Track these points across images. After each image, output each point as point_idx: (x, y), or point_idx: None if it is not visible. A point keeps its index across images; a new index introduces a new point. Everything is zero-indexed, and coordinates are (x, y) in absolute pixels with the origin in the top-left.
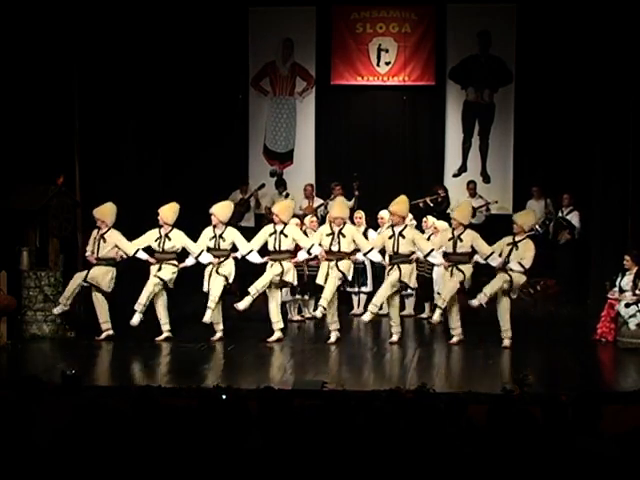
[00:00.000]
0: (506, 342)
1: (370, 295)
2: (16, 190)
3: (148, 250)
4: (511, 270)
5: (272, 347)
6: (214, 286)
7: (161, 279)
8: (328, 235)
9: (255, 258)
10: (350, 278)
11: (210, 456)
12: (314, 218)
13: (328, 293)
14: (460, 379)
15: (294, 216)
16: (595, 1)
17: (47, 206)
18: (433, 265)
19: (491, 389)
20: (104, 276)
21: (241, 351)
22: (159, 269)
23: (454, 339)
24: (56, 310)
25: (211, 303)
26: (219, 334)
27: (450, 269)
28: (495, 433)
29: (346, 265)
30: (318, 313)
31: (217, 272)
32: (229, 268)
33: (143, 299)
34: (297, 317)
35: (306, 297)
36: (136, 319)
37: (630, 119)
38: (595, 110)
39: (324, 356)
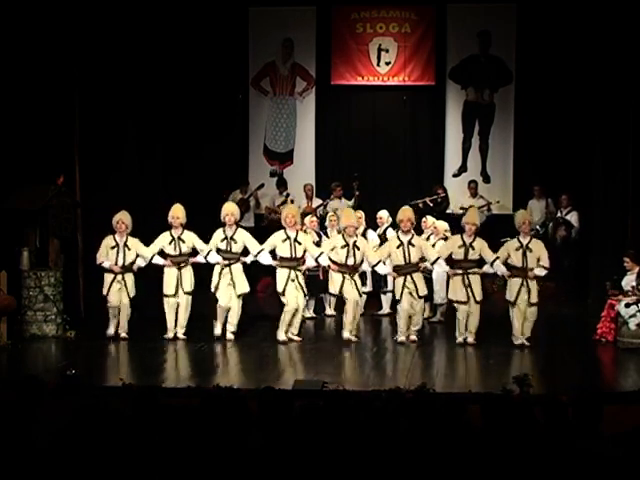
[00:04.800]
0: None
1: (369, 295)
2: (16, 190)
3: (161, 254)
4: (535, 277)
5: (272, 347)
6: (233, 312)
7: (189, 293)
8: (343, 247)
9: (265, 259)
10: (367, 281)
11: (211, 456)
12: (314, 218)
13: (351, 319)
14: (460, 379)
15: None
16: (595, 1)
17: (47, 206)
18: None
19: (491, 389)
20: (133, 285)
21: (241, 351)
22: (179, 278)
23: (470, 339)
24: (123, 336)
25: (232, 327)
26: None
27: (462, 277)
28: (495, 433)
29: (360, 280)
30: (352, 338)
31: (237, 296)
32: (241, 282)
33: (182, 321)
34: None
35: (306, 297)
36: (181, 337)
37: (630, 119)
38: (595, 110)
39: (324, 356)
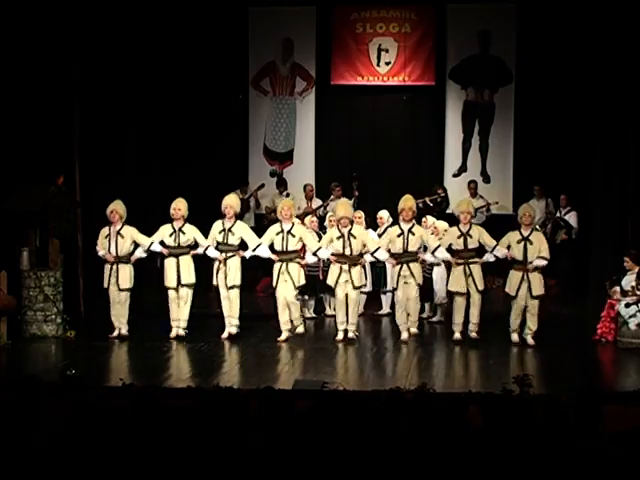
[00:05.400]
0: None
1: (369, 295)
2: (16, 190)
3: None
4: (536, 268)
5: (272, 347)
6: (233, 306)
7: (188, 286)
8: (338, 238)
9: (264, 252)
10: (367, 281)
11: (211, 456)
12: (314, 218)
13: (354, 317)
14: (460, 379)
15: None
16: (595, 1)
17: (47, 206)
18: (433, 265)
19: (491, 389)
20: (130, 276)
21: (241, 351)
22: (178, 270)
23: (473, 333)
24: (115, 334)
25: (234, 320)
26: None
27: (463, 267)
28: (495, 433)
29: (357, 274)
30: (352, 335)
31: (227, 287)
32: (233, 274)
33: (183, 315)
34: None
35: (306, 297)
36: (181, 332)
37: (630, 119)
38: (595, 110)
39: (324, 356)
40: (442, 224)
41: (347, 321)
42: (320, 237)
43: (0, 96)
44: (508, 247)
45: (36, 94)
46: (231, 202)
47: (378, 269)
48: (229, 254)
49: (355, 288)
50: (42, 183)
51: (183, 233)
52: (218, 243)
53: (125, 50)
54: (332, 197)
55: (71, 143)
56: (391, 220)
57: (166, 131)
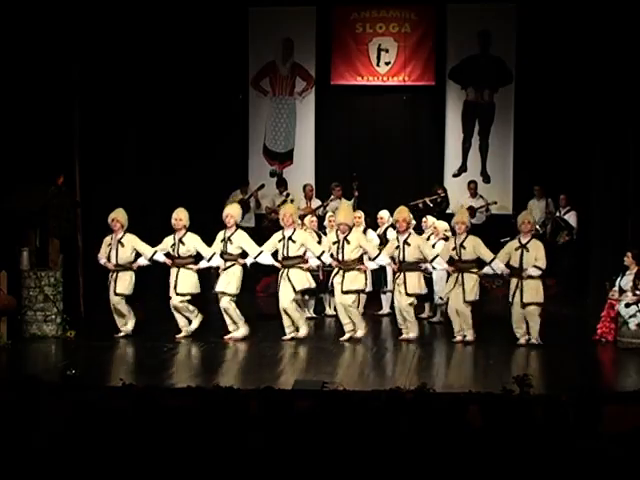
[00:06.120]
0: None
1: (369, 295)
2: (16, 190)
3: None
4: (530, 277)
5: (272, 347)
6: (229, 313)
7: (182, 294)
8: (334, 243)
9: (266, 259)
10: (368, 284)
11: (211, 456)
12: (314, 218)
13: (356, 318)
14: (460, 379)
15: None
16: (595, 1)
17: (47, 206)
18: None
19: (491, 389)
20: (129, 283)
21: (241, 351)
22: (177, 275)
23: (469, 337)
24: (121, 334)
25: (238, 320)
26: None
27: (456, 276)
28: (495, 433)
29: (349, 278)
30: (360, 335)
31: (224, 292)
32: (222, 281)
33: (181, 322)
34: None
35: (306, 297)
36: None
37: (630, 119)
38: (595, 110)
39: (324, 356)
40: (442, 224)
41: (353, 323)
42: (320, 237)
43: (0, 96)
44: (508, 261)
45: (36, 94)
46: (231, 211)
47: (379, 270)
48: (228, 263)
49: (343, 292)
50: (42, 183)
51: (183, 244)
52: (220, 252)
53: (125, 50)
54: (332, 197)
55: (71, 143)
56: (392, 220)
57: (166, 131)
